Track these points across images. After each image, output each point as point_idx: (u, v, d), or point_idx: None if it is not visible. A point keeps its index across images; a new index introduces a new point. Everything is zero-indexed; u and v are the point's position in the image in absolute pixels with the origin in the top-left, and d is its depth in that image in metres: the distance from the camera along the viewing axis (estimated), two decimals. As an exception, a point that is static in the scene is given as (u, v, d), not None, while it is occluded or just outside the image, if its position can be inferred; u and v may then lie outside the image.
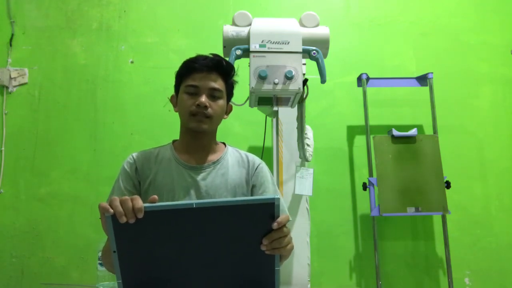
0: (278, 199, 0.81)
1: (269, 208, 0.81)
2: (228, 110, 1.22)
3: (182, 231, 0.82)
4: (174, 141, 1.23)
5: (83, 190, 2.24)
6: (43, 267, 2.17)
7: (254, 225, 0.83)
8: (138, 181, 1.14)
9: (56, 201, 2.23)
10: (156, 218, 0.80)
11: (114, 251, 0.82)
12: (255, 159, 1.22)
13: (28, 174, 2.26)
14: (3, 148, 2.27)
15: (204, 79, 1.12)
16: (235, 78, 1.22)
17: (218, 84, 1.13)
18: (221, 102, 1.15)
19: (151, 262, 0.84)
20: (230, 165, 1.18)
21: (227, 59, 1.26)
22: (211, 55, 1.15)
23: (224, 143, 1.25)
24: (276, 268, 0.86)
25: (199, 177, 1.13)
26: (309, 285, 1.70)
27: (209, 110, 1.11)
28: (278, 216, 0.82)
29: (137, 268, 0.85)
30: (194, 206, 0.80)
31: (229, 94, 1.21)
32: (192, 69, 1.13)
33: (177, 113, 1.19)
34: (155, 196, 0.82)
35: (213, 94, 1.13)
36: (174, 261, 0.85)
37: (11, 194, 2.24)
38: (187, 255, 0.84)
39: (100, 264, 1.60)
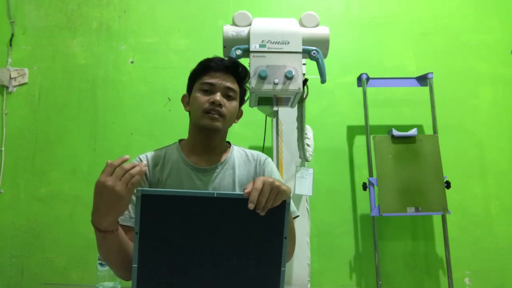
0: (289, 197, 0.89)
1: (281, 205, 0.87)
2: (239, 115, 1.23)
3: (200, 219, 0.86)
4: (180, 141, 1.22)
5: (83, 190, 2.24)
6: (43, 267, 2.17)
7: (266, 220, 0.86)
8: (147, 185, 1.13)
9: (56, 201, 2.23)
10: (178, 203, 0.85)
11: (136, 233, 0.85)
12: (261, 155, 1.23)
13: (28, 174, 2.26)
14: (3, 148, 2.27)
15: (221, 77, 1.12)
16: (247, 84, 1.23)
17: (233, 85, 1.14)
18: (235, 103, 1.15)
19: (168, 250, 0.87)
20: (237, 165, 1.18)
21: None
22: (228, 58, 1.17)
23: (229, 143, 1.25)
24: (282, 269, 0.87)
25: (207, 179, 1.13)
26: (309, 285, 1.70)
27: (223, 109, 1.11)
28: (288, 213, 0.88)
29: (154, 253, 0.87)
30: (215, 195, 0.86)
31: (241, 99, 1.21)
32: (209, 67, 1.14)
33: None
34: (145, 168, 0.87)
35: (228, 94, 1.13)
36: (187, 250, 0.87)
37: (11, 194, 2.24)
38: (200, 246, 0.87)
39: (100, 264, 1.60)
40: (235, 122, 1.20)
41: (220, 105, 1.10)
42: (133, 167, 0.86)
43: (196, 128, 1.15)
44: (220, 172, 1.15)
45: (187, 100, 1.19)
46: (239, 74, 1.16)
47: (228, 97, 1.13)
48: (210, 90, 1.12)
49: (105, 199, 0.86)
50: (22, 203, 2.23)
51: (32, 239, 2.20)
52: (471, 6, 2.49)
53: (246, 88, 1.22)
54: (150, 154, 1.18)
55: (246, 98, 1.42)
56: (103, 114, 2.34)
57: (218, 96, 1.10)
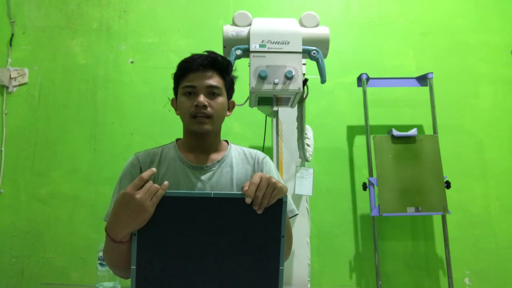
0: (286, 196, 0.89)
1: (278, 204, 0.87)
2: (230, 106, 1.20)
3: (197, 219, 0.87)
4: (177, 140, 1.21)
5: (83, 190, 2.24)
6: (43, 267, 2.17)
7: (263, 219, 0.87)
8: None
9: (56, 201, 2.23)
10: (175, 204, 0.86)
11: (134, 234, 0.87)
12: (259, 154, 1.22)
13: (28, 174, 2.26)
14: (3, 148, 2.27)
15: (200, 78, 1.10)
16: (235, 73, 1.20)
17: (215, 81, 1.11)
18: (221, 99, 1.13)
19: (166, 250, 0.87)
20: (235, 163, 1.17)
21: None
22: (205, 53, 1.13)
23: (226, 141, 1.24)
24: (280, 268, 0.88)
25: (205, 177, 1.12)
26: (309, 285, 1.70)
27: (209, 109, 1.09)
28: (285, 212, 0.88)
29: (152, 255, 0.87)
30: (212, 196, 0.87)
31: (230, 91, 1.18)
32: (187, 70, 1.11)
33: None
34: (167, 183, 0.88)
35: (211, 92, 1.11)
36: (186, 250, 0.88)
37: (11, 194, 2.24)
38: (198, 246, 0.87)
39: (100, 264, 1.60)
40: (227, 115, 1.18)
41: (204, 106, 1.08)
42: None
43: (188, 131, 1.16)
44: (218, 171, 1.14)
45: (175, 104, 1.18)
46: (220, 67, 1.13)
47: (213, 95, 1.11)
48: (192, 92, 1.10)
49: (130, 211, 0.86)
50: (22, 203, 2.23)
51: (32, 239, 2.20)
52: (471, 6, 2.49)
53: (233, 76, 1.20)
54: (146, 151, 1.17)
55: (247, 96, 1.42)
56: (103, 114, 2.34)
57: (201, 98, 1.08)
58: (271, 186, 0.86)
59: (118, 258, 0.95)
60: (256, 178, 0.87)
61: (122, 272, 1.01)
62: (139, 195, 0.85)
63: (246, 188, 0.87)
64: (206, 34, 2.40)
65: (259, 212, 0.86)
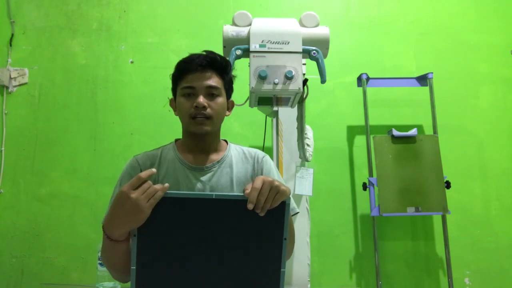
0: (289, 198, 0.88)
1: (281, 206, 0.86)
2: (230, 106, 1.20)
3: (199, 221, 0.86)
4: (176, 140, 1.21)
5: (83, 190, 2.24)
6: (43, 267, 2.17)
7: (265, 221, 0.86)
8: None
9: (56, 201, 2.23)
10: (176, 205, 0.85)
11: (134, 235, 0.86)
12: (258, 153, 1.21)
13: (28, 174, 2.26)
14: (3, 148, 2.27)
15: (199, 78, 1.09)
16: (233, 72, 1.19)
17: (214, 81, 1.10)
18: (220, 99, 1.12)
19: (166, 252, 0.87)
20: (234, 163, 1.16)
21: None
22: (204, 53, 1.12)
23: (226, 141, 1.23)
24: (282, 270, 0.87)
25: (204, 178, 1.12)
26: (309, 285, 1.70)
27: (208, 110, 1.08)
28: (288, 214, 0.87)
29: (152, 256, 0.87)
30: (214, 197, 0.86)
31: (229, 90, 1.17)
32: (185, 70, 1.10)
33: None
34: (167, 184, 0.87)
35: (210, 93, 1.10)
36: (186, 252, 0.87)
37: (11, 194, 2.24)
38: (199, 248, 0.87)
39: (100, 264, 1.60)
40: (227, 115, 1.18)
41: (204, 107, 1.07)
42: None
43: (187, 132, 1.15)
44: (217, 171, 1.13)
45: (174, 105, 1.17)
46: (219, 67, 1.12)
47: (212, 95, 1.10)
48: (192, 93, 1.09)
49: (125, 210, 0.84)
50: (22, 203, 2.23)
51: (32, 239, 2.20)
52: (471, 6, 2.49)
53: (232, 75, 1.19)
54: (145, 154, 1.17)
55: (247, 96, 1.42)
56: (103, 114, 2.34)
57: (201, 99, 1.07)
58: (273, 190, 0.85)
59: (115, 258, 0.94)
60: (258, 183, 0.85)
61: (119, 274, 1.00)
62: (134, 194, 0.83)
63: (247, 191, 0.85)
64: (206, 34, 2.40)
65: (261, 214, 0.85)
